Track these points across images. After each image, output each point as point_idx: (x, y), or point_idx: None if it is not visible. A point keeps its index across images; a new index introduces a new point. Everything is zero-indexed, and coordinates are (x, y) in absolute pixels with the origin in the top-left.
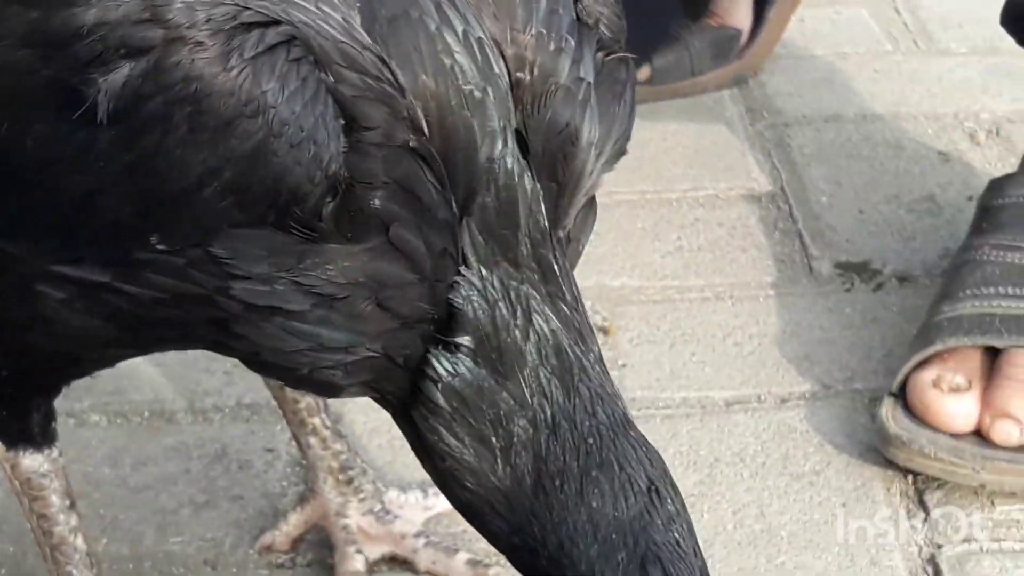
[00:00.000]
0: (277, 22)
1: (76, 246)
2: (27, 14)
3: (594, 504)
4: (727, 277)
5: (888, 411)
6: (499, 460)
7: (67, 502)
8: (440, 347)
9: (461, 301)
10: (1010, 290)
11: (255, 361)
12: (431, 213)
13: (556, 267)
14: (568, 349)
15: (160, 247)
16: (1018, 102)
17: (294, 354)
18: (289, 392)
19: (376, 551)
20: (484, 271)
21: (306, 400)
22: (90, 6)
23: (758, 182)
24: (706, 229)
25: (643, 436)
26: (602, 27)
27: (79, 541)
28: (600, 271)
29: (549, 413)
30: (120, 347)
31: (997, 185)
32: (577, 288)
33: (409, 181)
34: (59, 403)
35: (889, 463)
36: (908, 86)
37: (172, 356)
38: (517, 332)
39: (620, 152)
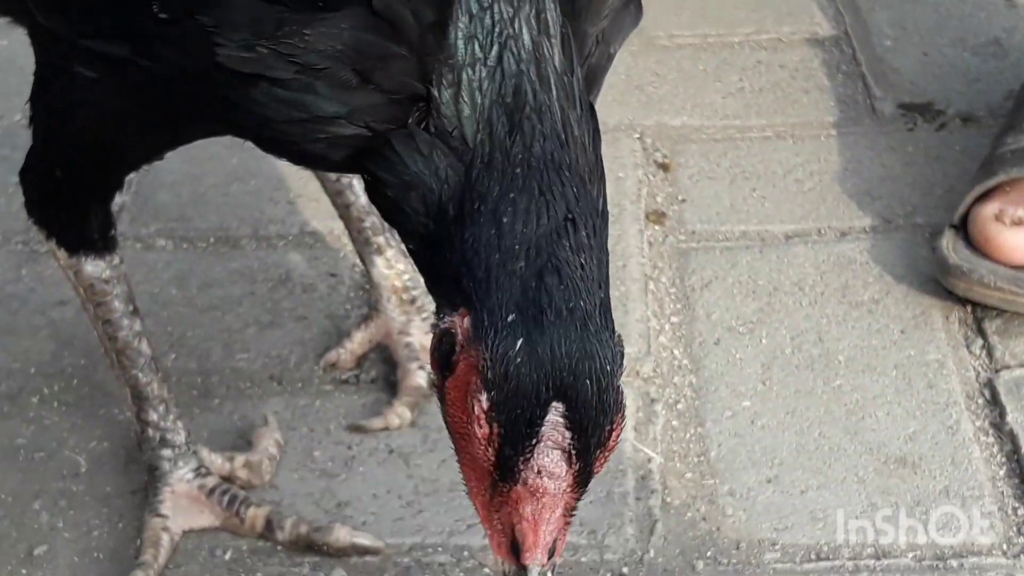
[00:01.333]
0: None
1: (97, 17)
2: None
3: (504, 220)
4: (789, 117)
5: (948, 242)
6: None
7: (130, 307)
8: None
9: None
10: None
11: (261, 139)
12: None
13: (558, 48)
14: (528, 91)
15: (161, 16)
16: None
17: (286, 124)
18: (355, 211)
19: None
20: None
21: (371, 219)
22: None
23: (821, 26)
24: (768, 71)
25: (595, 189)
26: None
27: (143, 346)
28: (661, 110)
29: (487, 149)
30: (153, 132)
31: None
32: (579, 73)
33: None
34: (126, 227)
35: (949, 294)
36: None
37: (237, 187)
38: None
39: None
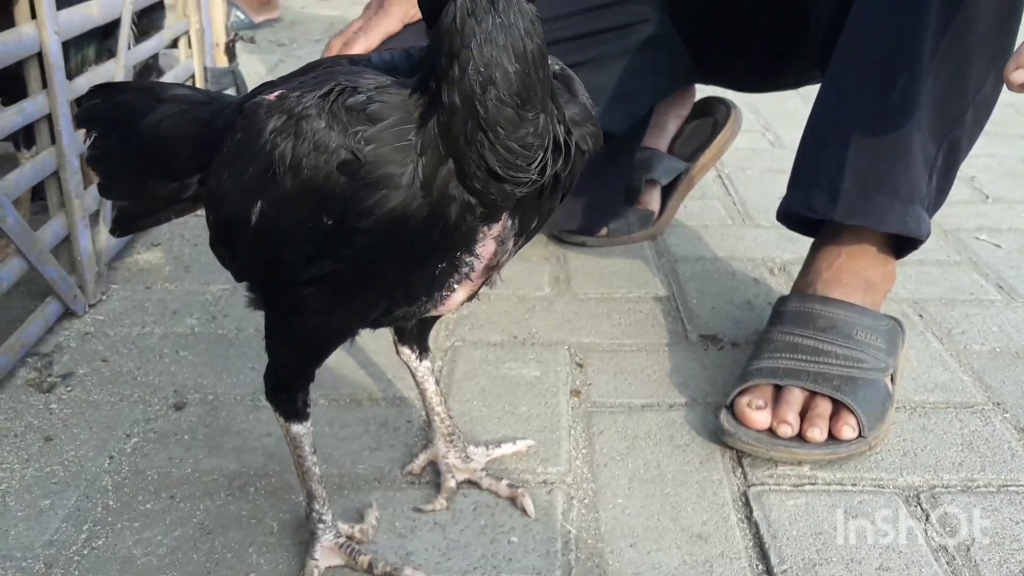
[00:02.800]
0: None
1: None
2: None
3: None
4: (643, 339)
5: (724, 415)
6: None
7: (312, 449)
8: None
9: None
10: (786, 355)
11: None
12: None
13: None
14: None
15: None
16: (795, 254)
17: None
18: (428, 394)
19: (461, 477)
20: None
21: (433, 400)
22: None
23: (660, 290)
24: (632, 313)
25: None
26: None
27: (316, 469)
28: (579, 334)
29: None
30: (352, 320)
31: (780, 300)
32: None
33: None
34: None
35: (724, 444)
36: (739, 242)
37: (360, 368)
38: None
39: None
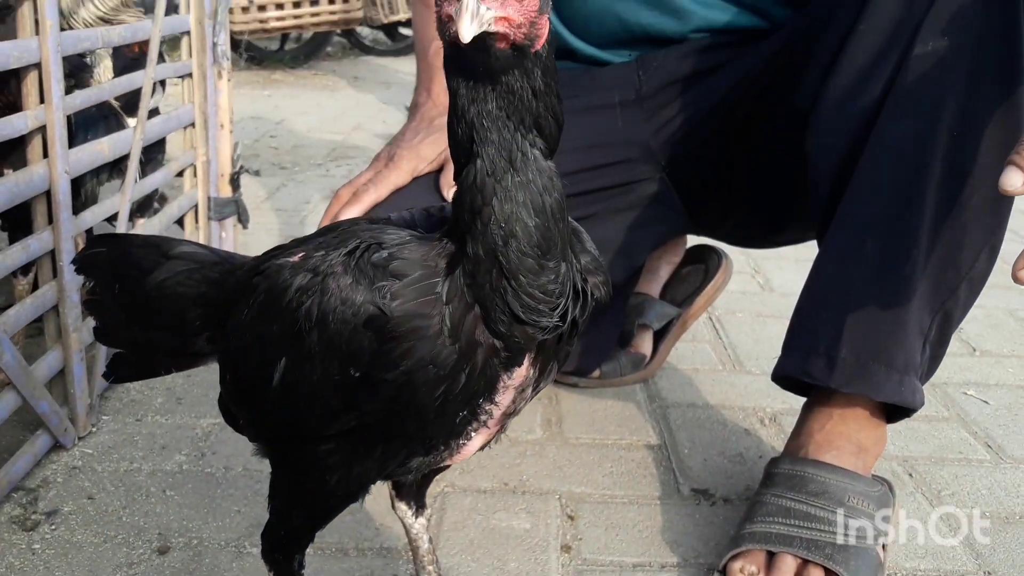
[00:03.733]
0: None
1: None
2: None
3: None
4: (635, 491)
5: None
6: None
7: None
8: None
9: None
10: (779, 519)
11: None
12: None
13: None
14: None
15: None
16: (785, 404)
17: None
18: (420, 551)
19: None
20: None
21: (422, 550)
22: None
23: (652, 437)
24: (624, 462)
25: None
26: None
27: None
28: (570, 483)
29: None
30: (370, 474)
31: (773, 462)
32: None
33: None
34: None
35: None
36: (730, 389)
37: (347, 519)
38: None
39: None
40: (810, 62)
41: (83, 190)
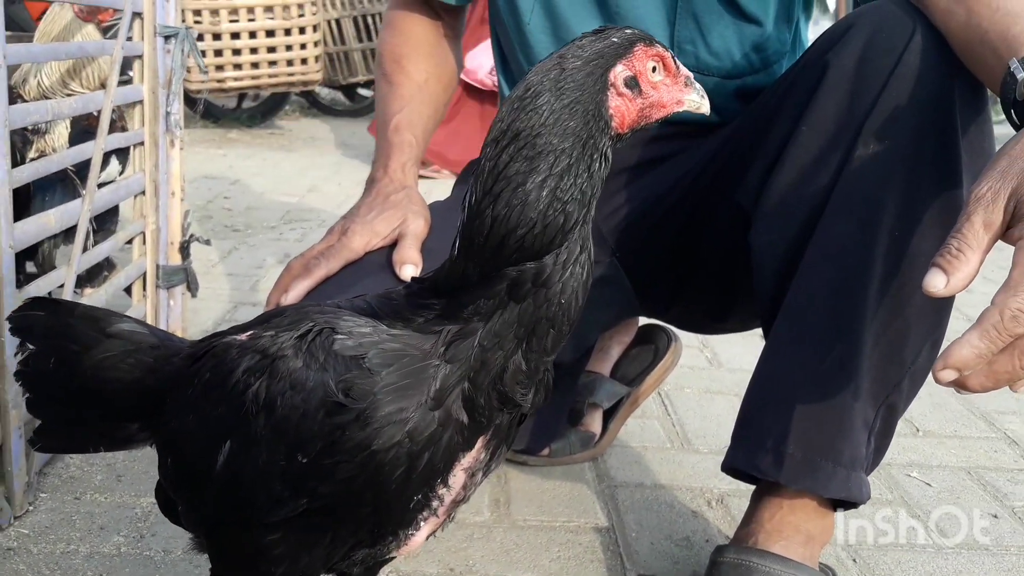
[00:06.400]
0: None
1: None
2: None
3: None
4: None
5: None
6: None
7: None
8: None
9: None
10: None
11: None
12: None
13: None
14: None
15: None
16: (732, 484)
17: None
18: None
19: None
20: None
21: None
22: None
23: (600, 519)
24: (572, 545)
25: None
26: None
27: None
28: (515, 568)
29: None
30: (316, 565)
31: (719, 550)
32: None
33: None
34: None
35: None
36: (678, 468)
37: None
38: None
39: None
40: (754, 160)
41: (40, 252)
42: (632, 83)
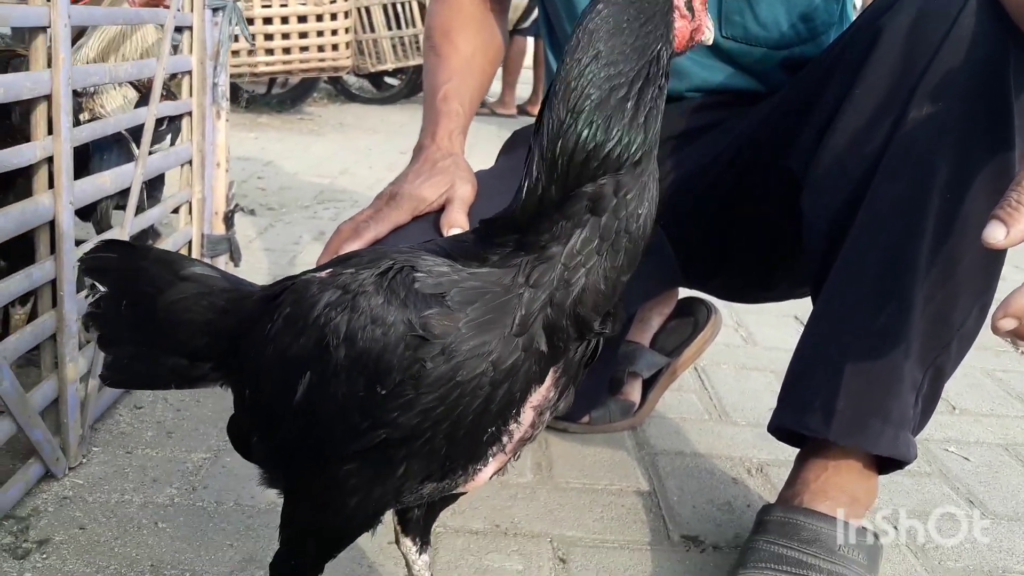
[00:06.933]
0: None
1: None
2: None
3: None
4: (625, 536)
5: None
6: None
7: None
8: None
9: None
10: (771, 566)
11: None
12: None
13: None
14: None
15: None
16: (771, 455)
17: None
18: None
19: None
20: None
21: None
22: None
23: (642, 483)
24: (614, 507)
25: None
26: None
27: None
28: (562, 527)
29: None
30: (387, 498)
31: (765, 509)
32: None
33: None
34: None
35: None
36: (717, 439)
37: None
38: None
39: None
40: (805, 124)
41: (98, 209)
42: (689, 6)
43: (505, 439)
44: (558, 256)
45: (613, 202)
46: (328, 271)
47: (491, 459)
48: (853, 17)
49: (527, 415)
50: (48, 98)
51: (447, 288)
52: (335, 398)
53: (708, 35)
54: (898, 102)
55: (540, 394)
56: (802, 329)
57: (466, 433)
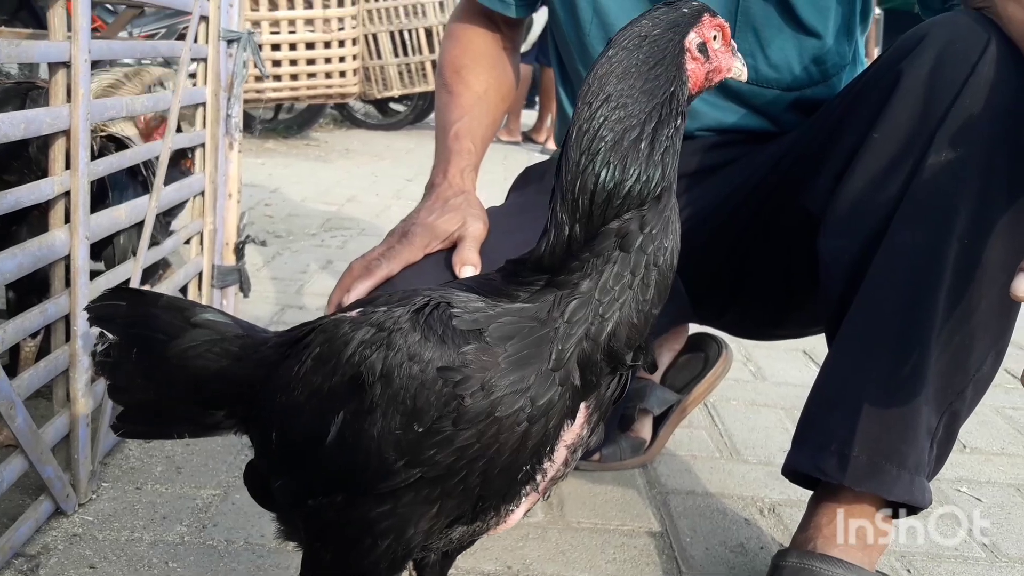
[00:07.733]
0: None
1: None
2: None
3: None
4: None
5: None
6: None
7: None
8: None
9: None
10: None
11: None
12: None
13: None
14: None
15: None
16: (783, 494)
17: None
18: None
19: None
20: None
21: None
22: None
23: (653, 524)
24: (627, 548)
25: None
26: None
27: None
28: (572, 568)
29: None
30: (416, 539)
31: (780, 555)
32: None
33: None
34: None
35: None
36: (728, 477)
37: None
38: None
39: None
40: (823, 165)
41: (113, 245)
42: (702, 48)
43: (539, 477)
44: (591, 291)
45: (640, 237)
46: (358, 311)
47: (524, 498)
48: (867, 61)
49: (560, 452)
50: (67, 133)
51: (484, 324)
52: (370, 436)
53: (737, 72)
54: (917, 147)
55: (574, 431)
56: (811, 364)
57: (501, 471)
